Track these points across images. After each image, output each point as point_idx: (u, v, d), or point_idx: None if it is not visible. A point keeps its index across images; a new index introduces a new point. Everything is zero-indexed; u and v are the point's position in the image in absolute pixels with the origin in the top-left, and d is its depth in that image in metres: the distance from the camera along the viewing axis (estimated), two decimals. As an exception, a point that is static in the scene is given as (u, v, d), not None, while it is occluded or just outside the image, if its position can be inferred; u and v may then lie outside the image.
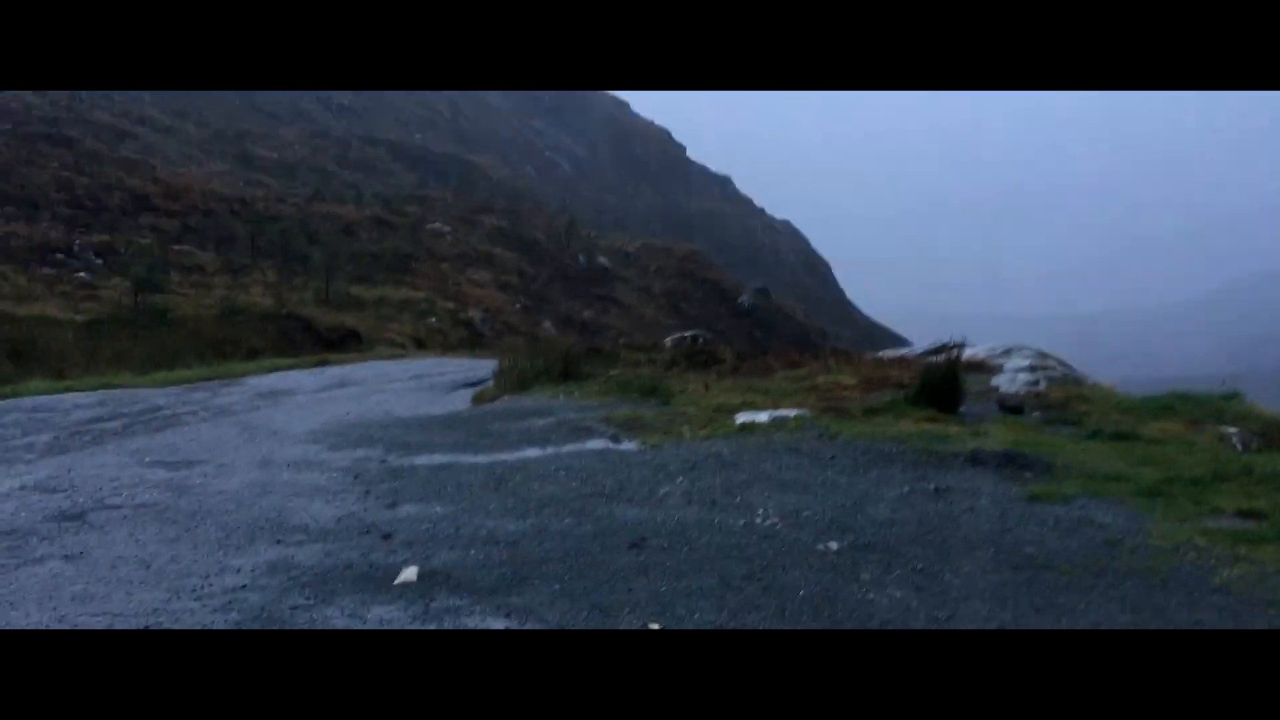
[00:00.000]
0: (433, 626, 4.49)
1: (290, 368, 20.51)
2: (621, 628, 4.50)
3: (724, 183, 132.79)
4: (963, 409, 10.70)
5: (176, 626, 4.46)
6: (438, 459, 8.72)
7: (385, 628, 4.47)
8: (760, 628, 4.51)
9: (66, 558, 5.53)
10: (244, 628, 4.44)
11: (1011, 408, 10.94)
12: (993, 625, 4.55)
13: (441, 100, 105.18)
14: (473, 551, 5.73)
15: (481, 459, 8.68)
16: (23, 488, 7.27)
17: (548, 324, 45.48)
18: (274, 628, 4.45)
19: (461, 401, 14.67)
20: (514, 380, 14.99)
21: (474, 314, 42.97)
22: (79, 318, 21.43)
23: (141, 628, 4.43)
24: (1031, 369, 13.41)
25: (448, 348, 33.81)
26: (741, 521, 6.38)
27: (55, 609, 4.67)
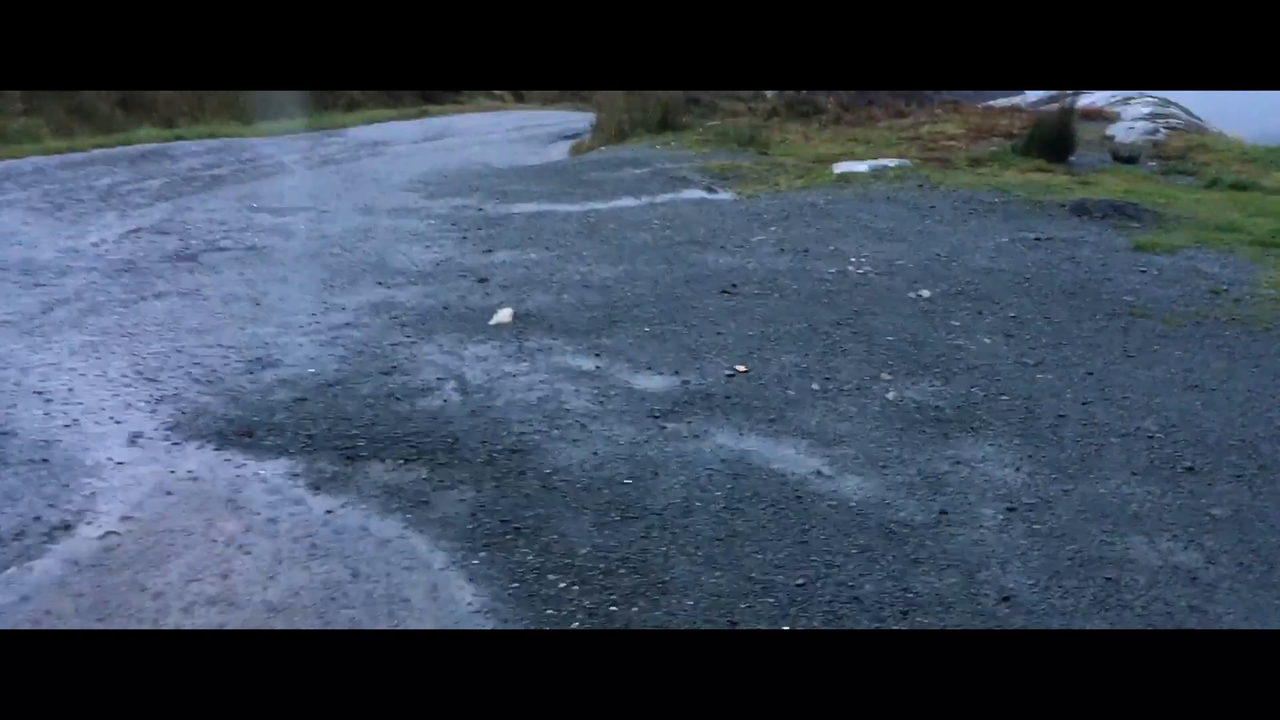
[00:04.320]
0: (525, 364, 4.66)
1: (391, 119, 20.51)
2: (707, 369, 4.60)
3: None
4: (1073, 159, 10.31)
5: (287, 359, 4.70)
6: (534, 207, 8.79)
7: (482, 363, 4.66)
8: (845, 372, 4.58)
9: (182, 294, 5.81)
10: (348, 361, 4.67)
11: (1126, 158, 10.50)
12: (1081, 371, 4.54)
13: None
14: (566, 296, 5.85)
15: (577, 208, 8.72)
16: (138, 230, 7.57)
17: (648, 75, 44.30)
18: (376, 366, 4.66)
19: (559, 153, 14.60)
20: (612, 132, 14.82)
21: (573, 65, 42.06)
22: (184, 68, 21.54)
23: (254, 358, 4.69)
24: (1151, 117, 12.75)
25: (548, 101, 33.33)
26: (834, 270, 6.36)
27: (174, 340, 4.95)
